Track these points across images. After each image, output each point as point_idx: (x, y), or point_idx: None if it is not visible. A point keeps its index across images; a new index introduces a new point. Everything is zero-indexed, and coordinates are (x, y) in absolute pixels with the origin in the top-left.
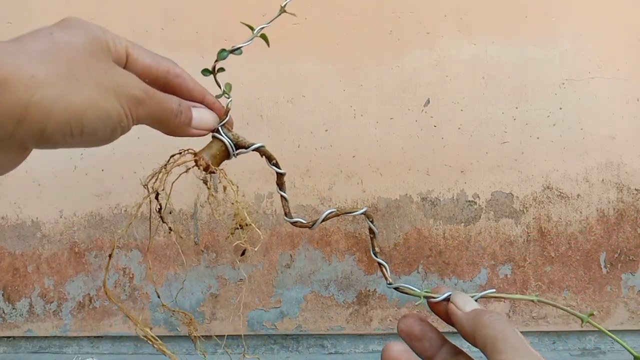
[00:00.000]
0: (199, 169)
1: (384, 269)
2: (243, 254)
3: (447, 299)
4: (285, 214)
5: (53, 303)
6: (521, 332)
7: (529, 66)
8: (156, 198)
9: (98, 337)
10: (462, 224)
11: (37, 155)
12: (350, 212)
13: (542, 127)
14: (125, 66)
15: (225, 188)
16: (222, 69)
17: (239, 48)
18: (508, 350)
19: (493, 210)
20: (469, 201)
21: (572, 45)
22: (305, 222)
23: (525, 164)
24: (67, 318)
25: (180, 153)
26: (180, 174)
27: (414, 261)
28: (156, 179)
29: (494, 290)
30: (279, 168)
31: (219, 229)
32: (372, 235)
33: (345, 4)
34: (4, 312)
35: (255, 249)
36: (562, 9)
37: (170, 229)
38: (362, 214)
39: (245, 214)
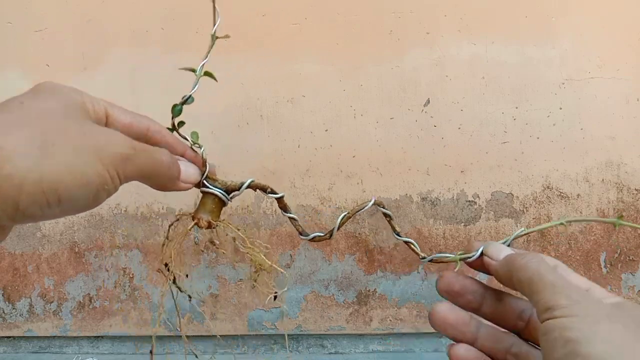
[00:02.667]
0: (201, 228)
1: (412, 246)
2: (275, 298)
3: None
4: (300, 233)
5: (53, 303)
6: None
7: (529, 66)
8: (167, 268)
9: (98, 337)
10: (462, 224)
11: None
12: (361, 209)
13: (542, 127)
14: (106, 126)
15: (234, 239)
16: (182, 123)
17: (189, 97)
18: (545, 289)
19: (493, 210)
20: (469, 201)
21: (572, 45)
22: (322, 234)
23: (525, 164)
24: (67, 318)
25: (178, 219)
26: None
27: (414, 261)
28: (163, 252)
29: (523, 229)
30: (276, 193)
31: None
32: (388, 219)
33: (345, 4)
34: (4, 312)
35: (285, 289)
36: (562, 9)
37: (189, 297)
38: (372, 205)
39: (264, 258)
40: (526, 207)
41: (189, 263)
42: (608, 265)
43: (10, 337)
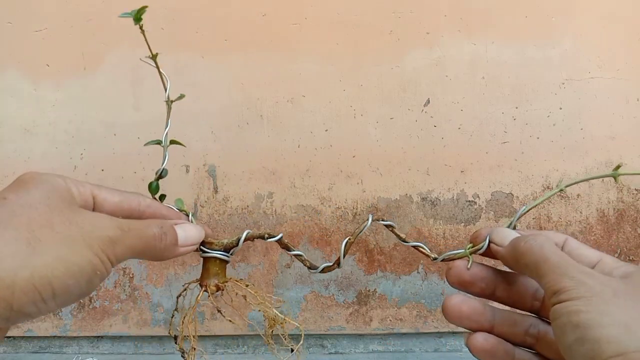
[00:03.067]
0: (212, 294)
1: (421, 249)
2: (292, 351)
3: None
4: (309, 268)
5: None
6: None
7: (529, 66)
8: (184, 339)
9: (98, 337)
10: (462, 224)
11: (37, 155)
12: (362, 230)
13: (542, 127)
14: (94, 209)
15: (245, 297)
16: (163, 196)
17: (163, 170)
18: (550, 271)
19: (493, 210)
20: (469, 201)
21: (572, 45)
22: (330, 264)
23: (525, 164)
24: (67, 318)
25: (185, 289)
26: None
27: (414, 261)
28: (182, 326)
29: (525, 207)
30: (274, 236)
31: (219, 229)
32: (392, 229)
33: (345, 4)
34: None
35: (300, 344)
36: (562, 9)
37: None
38: (372, 222)
39: (276, 313)
40: None
41: (189, 263)
42: None
43: (10, 337)
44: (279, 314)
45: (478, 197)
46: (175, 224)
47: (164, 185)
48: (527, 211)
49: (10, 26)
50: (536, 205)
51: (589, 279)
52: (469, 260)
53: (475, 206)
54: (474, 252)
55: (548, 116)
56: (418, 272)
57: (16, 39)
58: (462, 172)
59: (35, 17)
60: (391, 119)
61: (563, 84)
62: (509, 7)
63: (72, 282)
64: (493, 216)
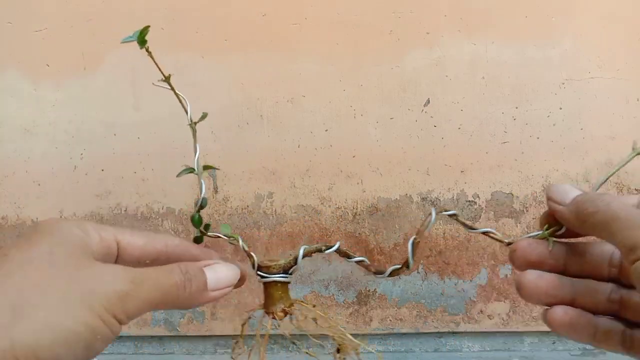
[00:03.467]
0: (280, 320)
1: (492, 235)
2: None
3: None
4: (375, 273)
5: None
6: (521, 332)
7: (529, 66)
8: None
9: None
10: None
11: (37, 155)
12: (427, 226)
13: (542, 127)
14: (118, 255)
15: (316, 319)
16: (208, 225)
17: (203, 199)
18: (623, 228)
19: (493, 210)
20: (469, 201)
21: (572, 45)
22: (399, 267)
23: (525, 164)
24: None
25: (250, 317)
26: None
27: (414, 261)
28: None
29: (603, 176)
30: (331, 247)
31: (219, 229)
32: (456, 217)
33: (345, 4)
34: None
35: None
36: (562, 9)
37: None
38: (436, 216)
39: (350, 337)
40: (526, 207)
41: None
42: None
43: None
44: (354, 339)
45: (478, 197)
46: (205, 266)
47: (163, 184)
48: (606, 180)
49: (10, 26)
50: (615, 172)
51: None
52: (549, 244)
53: (475, 206)
54: (553, 234)
55: (548, 116)
56: (418, 272)
57: (16, 39)
58: (462, 172)
59: (35, 17)
60: (391, 119)
61: (563, 84)
62: (509, 7)
63: (63, 350)
64: (493, 216)
